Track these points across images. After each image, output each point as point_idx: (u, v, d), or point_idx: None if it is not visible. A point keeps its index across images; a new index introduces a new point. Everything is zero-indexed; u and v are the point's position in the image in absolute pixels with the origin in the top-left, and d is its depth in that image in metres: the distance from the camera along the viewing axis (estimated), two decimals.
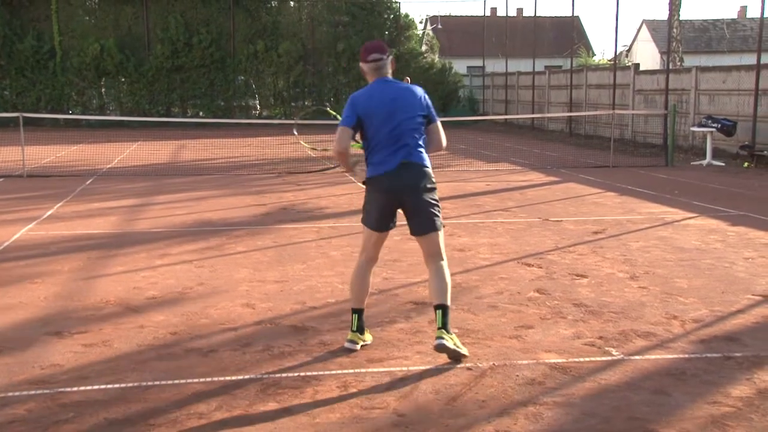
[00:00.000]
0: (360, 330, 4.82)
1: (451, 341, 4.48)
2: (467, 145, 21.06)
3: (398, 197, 4.64)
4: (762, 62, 16.18)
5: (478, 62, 36.17)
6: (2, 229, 8.94)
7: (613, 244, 7.93)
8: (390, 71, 4.78)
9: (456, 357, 4.52)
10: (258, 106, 33.03)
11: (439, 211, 4.71)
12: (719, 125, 16.21)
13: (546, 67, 33.36)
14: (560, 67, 35.08)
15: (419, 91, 4.80)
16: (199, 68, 30.96)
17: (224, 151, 19.57)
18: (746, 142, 16.14)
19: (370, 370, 4.42)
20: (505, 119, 29.13)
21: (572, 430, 3.65)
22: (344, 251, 7.67)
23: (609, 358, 4.60)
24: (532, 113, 27.65)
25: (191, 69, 30.88)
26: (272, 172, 15.08)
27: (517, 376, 4.31)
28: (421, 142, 4.69)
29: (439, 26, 48.90)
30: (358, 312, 4.82)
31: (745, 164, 15.51)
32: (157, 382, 4.23)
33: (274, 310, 5.63)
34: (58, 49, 30.29)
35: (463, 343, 4.70)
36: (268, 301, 5.85)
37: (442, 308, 4.55)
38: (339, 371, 4.40)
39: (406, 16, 33.83)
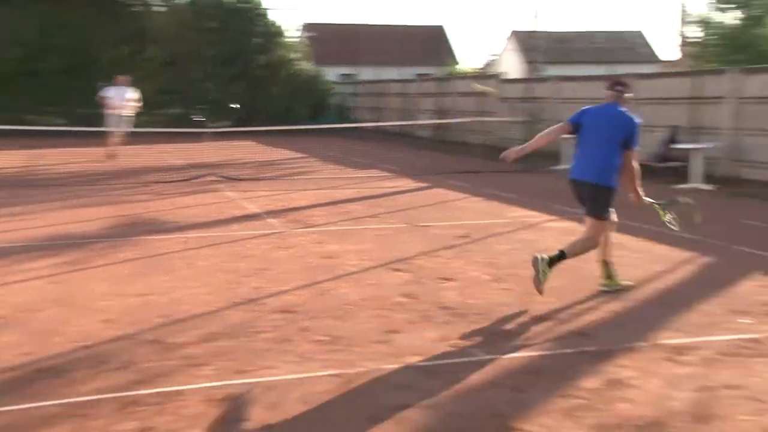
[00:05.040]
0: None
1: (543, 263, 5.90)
2: (337, 152, 21.15)
3: None
4: (612, 73, 17.18)
5: (350, 70, 36.44)
6: None
7: (479, 247, 8.17)
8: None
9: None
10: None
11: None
12: None
13: (416, 75, 34.03)
14: (429, 75, 35.86)
15: None
16: (58, 74, 29.42)
17: (85, 161, 18.70)
18: None
19: (236, 381, 4.34)
20: (376, 126, 29.49)
21: (438, 431, 3.72)
22: (212, 261, 7.50)
23: (474, 358, 4.73)
24: (402, 120, 28.13)
25: (48, 75, 29.29)
26: (136, 181, 14.55)
27: (385, 381, 4.35)
28: None
29: (312, 34, 48.87)
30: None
31: None
32: (4, 408, 3.96)
33: (135, 324, 5.42)
34: None
35: (331, 350, 4.78)
36: (129, 316, 5.63)
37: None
38: (204, 384, 4.29)
39: (274, 23, 33.60)
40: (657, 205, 6.51)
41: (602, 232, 6.24)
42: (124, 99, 18.20)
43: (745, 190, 12.42)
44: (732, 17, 33.64)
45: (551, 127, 6.57)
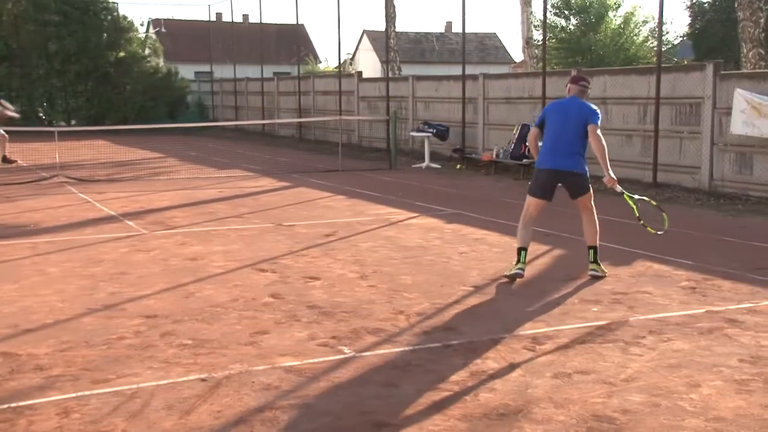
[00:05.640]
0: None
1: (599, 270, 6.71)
2: (198, 152, 20.63)
3: None
4: (467, 73, 17.77)
5: (205, 68, 35.56)
6: None
7: (344, 245, 8.22)
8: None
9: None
10: None
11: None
12: (435, 130, 17.55)
13: (274, 73, 33.71)
14: (288, 73, 35.67)
15: None
16: None
17: None
18: (457, 146, 17.64)
19: (95, 392, 4.13)
20: (236, 125, 28.99)
21: (307, 430, 3.71)
22: (64, 267, 7.11)
23: (341, 356, 4.75)
24: (263, 119, 27.82)
25: None
26: None
27: (253, 382, 4.29)
28: None
29: (163, 30, 47.32)
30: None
31: (458, 166, 16.94)
32: None
33: None
34: None
35: (197, 354, 4.68)
36: None
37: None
38: (58, 397, 4.06)
39: (125, 18, 32.26)
40: (628, 196, 6.79)
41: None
42: None
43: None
44: (571, 23, 35.78)
45: (530, 140, 6.93)
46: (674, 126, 12.88)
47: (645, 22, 35.76)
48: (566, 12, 35.61)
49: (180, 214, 10.29)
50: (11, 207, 10.88)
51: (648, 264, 7.32)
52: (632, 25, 35.61)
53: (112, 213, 10.36)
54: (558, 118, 6.67)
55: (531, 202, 6.84)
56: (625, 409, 3.93)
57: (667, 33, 36.18)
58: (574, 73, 14.98)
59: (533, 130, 6.87)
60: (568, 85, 6.87)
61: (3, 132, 16.51)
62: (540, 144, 6.82)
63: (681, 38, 33.91)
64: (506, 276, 6.63)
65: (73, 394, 4.09)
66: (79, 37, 29.23)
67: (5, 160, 16.33)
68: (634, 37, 35.51)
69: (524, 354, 4.78)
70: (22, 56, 29.05)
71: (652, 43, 33.81)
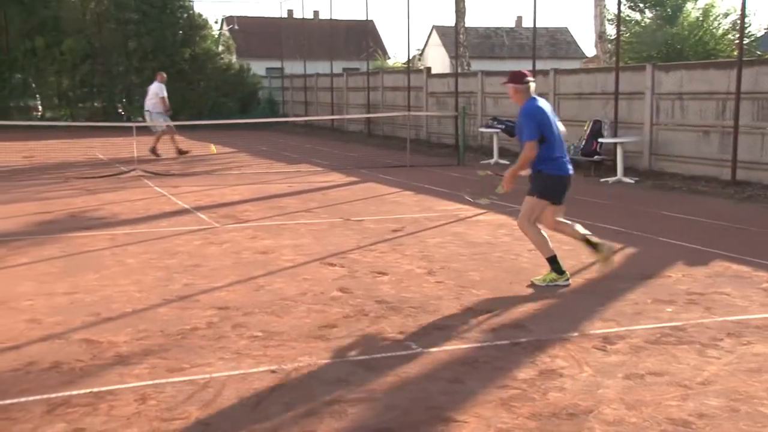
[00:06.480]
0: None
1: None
2: (268, 147, 20.96)
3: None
4: (537, 69, 17.53)
5: (276, 64, 36.07)
6: None
7: (412, 241, 8.23)
8: None
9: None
10: (40, 107, 30.69)
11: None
12: (504, 126, 17.37)
13: (344, 69, 33.98)
14: (357, 69, 35.86)
15: None
16: None
17: (2, 156, 18.00)
18: None
19: (170, 380, 4.26)
20: (305, 121, 29.31)
21: (375, 424, 3.74)
22: (141, 258, 7.34)
23: (409, 351, 4.76)
24: (332, 115, 28.05)
25: None
26: (59, 177, 14.09)
27: (322, 375, 4.34)
28: None
29: (236, 27, 48.19)
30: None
31: None
32: None
33: (63, 324, 5.26)
34: None
35: (267, 345, 4.77)
36: (56, 315, 5.45)
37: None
38: (136, 384, 4.20)
39: (200, 15, 32.98)
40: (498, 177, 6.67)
41: None
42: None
43: (665, 183, 12.86)
44: (646, 17, 34.86)
45: (532, 155, 6.21)
46: (756, 122, 12.41)
47: (726, 14, 34.56)
48: (641, 5, 34.71)
49: (251, 208, 10.48)
50: (93, 200, 11.28)
51: (726, 264, 7.09)
52: (712, 18, 34.47)
53: (186, 206, 10.63)
54: (551, 120, 6.30)
55: (551, 209, 6.39)
56: (701, 413, 3.82)
57: (750, 25, 34.93)
58: (649, 68, 14.63)
59: (535, 144, 6.16)
60: (530, 84, 6.32)
61: (169, 124, 17.28)
62: (537, 151, 6.19)
63: (765, 30, 32.70)
64: (558, 284, 6.35)
65: (150, 382, 4.23)
66: (156, 35, 30.04)
67: (179, 152, 17.12)
68: (714, 30, 34.37)
69: (594, 354, 4.70)
70: (103, 54, 30.05)
71: (733, 35, 32.67)
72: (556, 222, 6.50)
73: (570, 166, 6.43)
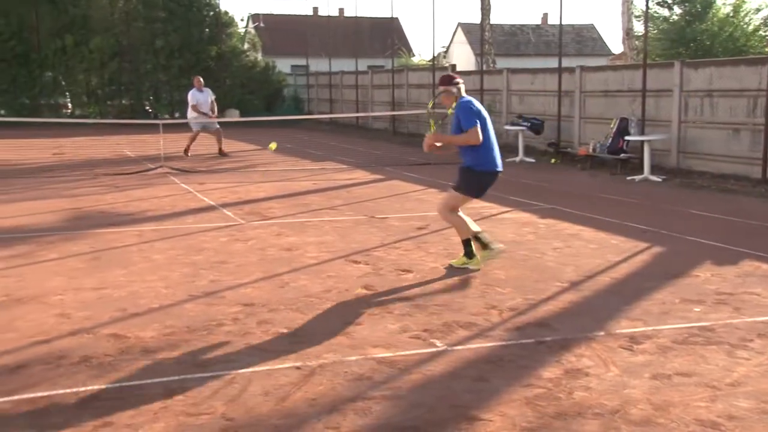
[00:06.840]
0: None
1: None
2: (293, 144, 21.04)
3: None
4: (563, 66, 17.41)
5: (301, 61, 36.17)
6: None
7: (436, 239, 8.22)
8: None
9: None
10: (70, 105, 31.07)
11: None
12: (529, 124, 17.27)
13: (368, 66, 33.99)
14: (382, 67, 35.85)
15: None
16: None
17: (33, 153, 18.25)
18: (552, 140, 17.32)
19: (196, 375, 4.30)
20: (330, 118, 29.38)
21: (399, 422, 3.74)
22: (168, 254, 7.41)
23: (434, 349, 4.76)
24: (356, 112, 28.08)
25: None
26: (88, 173, 14.26)
27: (346, 372, 4.35)
28: None
29: (262, 24, 48.44)
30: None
31: (553, 160, 16.64)
32: None
33: (92, 319, 5.33)
34: None
35: (292, 342, 4.81)
36: (85, 310, 5.53)
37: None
38: (163, 379, 4.24)
39: (226, 13, 33.18)
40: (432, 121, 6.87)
41: None
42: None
43: (694, 181, 12.72)
44: (675, 13, 34.44)
45: (476, 139, 6.51)
46: None
47: (758, 10, 34.07)
48: (669, 1, 34.32)
49: (276, 205, 10.53)
50: (121, 196, 11.41)
51: (756, 264, 6.99)
52: (743, 13, 33.98)
53: (212, 203, 10.71)
54: (486, 119, 6.61)
55: (462, 201, 6.80)
56: (731, 414, 3.78)
57: None
58: (677, 65, 14.46)
59: (479, 131, 6.46)
60: (460, 85, 6.71)
61: (217, 126, 17.50)
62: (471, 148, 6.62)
63: None
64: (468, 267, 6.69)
65: (176, 377, 4.27)
66: (183, 33, 30.26)
67: (221, 153, 17.34)
68: (745, 26, 33.88)
69: (621, 353, 4.67)
70: (131, 52, 30.33)
71: (765, 31, 32.19)
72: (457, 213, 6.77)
73: (500, 162, 6.69)
